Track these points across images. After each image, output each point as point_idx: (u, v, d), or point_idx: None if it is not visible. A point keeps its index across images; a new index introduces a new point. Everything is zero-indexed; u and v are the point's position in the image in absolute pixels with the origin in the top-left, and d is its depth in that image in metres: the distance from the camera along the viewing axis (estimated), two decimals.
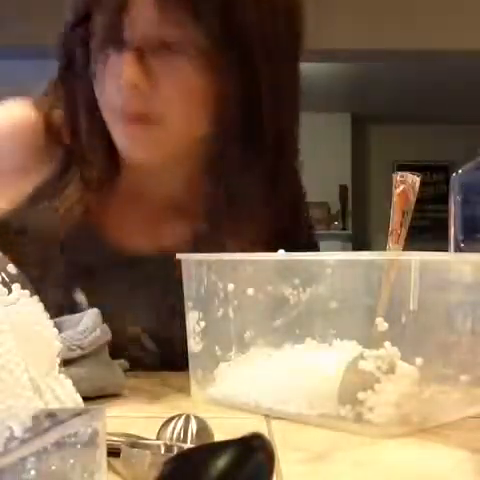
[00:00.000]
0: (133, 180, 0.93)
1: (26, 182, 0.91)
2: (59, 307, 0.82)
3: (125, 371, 0.78)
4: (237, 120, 0.84)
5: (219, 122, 0.84)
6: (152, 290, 0.91)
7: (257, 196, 0.88)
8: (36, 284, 0.59)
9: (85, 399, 0.60)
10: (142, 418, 0.65)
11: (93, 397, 0.70)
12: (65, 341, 0.69)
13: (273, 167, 0.88)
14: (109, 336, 0.75)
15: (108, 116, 0.85)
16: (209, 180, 0.89)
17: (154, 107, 0.82)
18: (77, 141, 0.89)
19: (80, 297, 0.88)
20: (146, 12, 0.78)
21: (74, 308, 0.86)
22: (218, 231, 0.89)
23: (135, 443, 0.48)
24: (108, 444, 0.39)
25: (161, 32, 0.79)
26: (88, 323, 0.75)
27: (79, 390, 0.59)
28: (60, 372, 0.57)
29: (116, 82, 0.81)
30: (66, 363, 0.65)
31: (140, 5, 0.78)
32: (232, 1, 0.80)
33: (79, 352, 0.71)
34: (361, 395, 0.59)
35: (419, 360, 0.60)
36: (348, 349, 0.62)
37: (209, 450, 0.36)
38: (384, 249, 0.64)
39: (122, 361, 0.79)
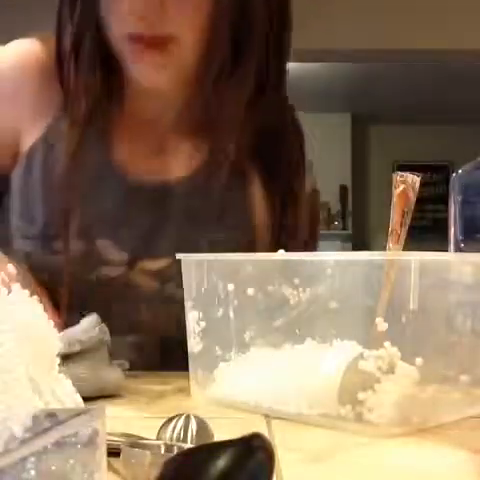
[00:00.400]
0: (137, 108, 0.93)
1: (36, 121, 0.91)
2: (82, 257, 0.85)
3: (125, 371, 0.78)
4: (227, 41, 0.86)
5: (214, 41, 0.86)
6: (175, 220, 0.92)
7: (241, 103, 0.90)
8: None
9: (85, 399, 0.60)
10: (142, 418, 0.65)
11: (93, 397, 0.70)
12: (64, 337, 0.70)
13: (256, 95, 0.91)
14: (107, 336, 0.76)
15: (120, 45, 0.85)
16: (201, 92, 0.91)
17: (165, 27, 0.82)
18: (78, 68, 0.89)
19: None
20: None
21: (97, 257, 0.89)
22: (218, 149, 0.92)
23: (135, 443, 0.48)
24: (108, 444, 0.39)
25: None
26: (87, 322, 0.75)
27: (78, 390, 0.59)
28: (60, 372, 0.57)
29: (130, 7, 0.81)
30: (65, 362, 0.65)
31: None
32: None
33: (79, 347, 0.72)
34: (361, 395, 0.59)
35: (419, 360, 0.60)
36: (348, 349, 0.62)
37: (209, 450, 0.36)
38: (384, 249, 0.64)
39: (122, 361, 0.79)
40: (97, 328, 0.75)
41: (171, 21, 0.82)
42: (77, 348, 0.72)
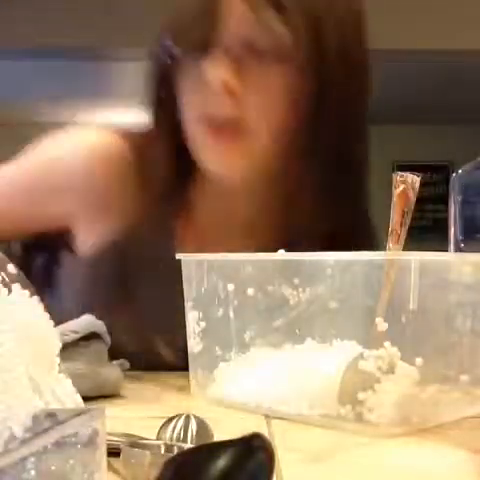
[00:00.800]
0: (209, 199, 0.92)
1: (110, 214, 0.90)
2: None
3: (124, 371, 0.78)
4: (305, 131, 0.83)
5: (290, 133, 0.84)
6: None
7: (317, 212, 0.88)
8: None
9: (85, 399, 0.60)
10: (142, 418, 0.65)
11: (93, 397, 0.70)
12: (58, 329, 0.70)
13: (333, 182, 0.86)
14: (106, 334, 0.76)
15: (194, 128, 0.84)
16: (275, 196, 0.90)
17: (244, 112, 0.81)
18: (162, 166, 0.88)
19: None
20: (236, 12, 0.80)
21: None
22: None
23: (135, 443, 0.48)
24: (108, 444, 0.39)
25: (251, 33, 0.80)
26: (83, 318, 0.76)
27: (76, 387, 0.59)
28: (60, 371, 0.57)
29: (207, 89, 0.81)
30: (63, 358, 0.66)
31: (230, 6, 0.80)
32: (313, 3, 0.82)
33: (72, 336, 0.71)
34: (361, 395, 0.59)
35: (419, 360, 0.60)
36: (348, 349, 0.62)
37: (209, 450, 0.36)
38: (384, 249, 0.64)
39: (122, 361, 0.79)
40: (93, 322, 0.75)
41: (245, 106, 0.81)
42: (70, 338, 0.71)
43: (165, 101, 0.88)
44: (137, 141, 0.92)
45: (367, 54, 0.91)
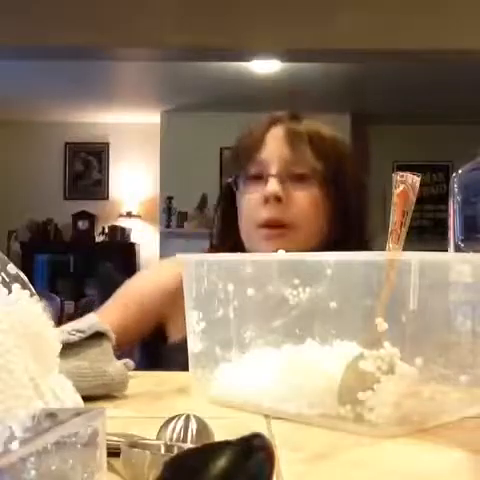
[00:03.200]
0: None
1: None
2: None
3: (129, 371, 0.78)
4: (332, 229, 1.16)
5: (321, 233, 1.16)
6: None
7: None
8: None
9: (85, 399, 0.60)
10: (142, 418, 0.65)
11: (93, 396, 0.70)
12: (65, 329, 0.70)
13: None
14: (110, 330, 0.76)
15: (248, 227, 1.15)
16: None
17: (289, 216, 1.12)
18: None
19: None
20: (280, 152, 1.15)
21: None
22: None
23: (135, 443, 0.48)
24: (108, 444, 0.39)
25: (292, 166, 1.14)
26: (88, 317, 0.75)
27: (81, 384, 0.59)
28: (62, 368, 0.57)
29: (259, 199, 1.12)
30: (67, 356, 0.66)
31: (274, 147, 1.16)
32: (337, 150, 1.20)
33: (79, 335, 0.72)
34: (361, 395, 0.59)
35: (419, 360, 0.60)
36: (348, 349, 0.62)
37: (209, 450, 0.36)
38: (384, 249, 0.64)
39: (127, 360, 0.79)
40: (97, 321, 0.75)
41: (293, 212, 1.12)
42: (77, 337, 0.72)
43: (228, 216, 1.19)
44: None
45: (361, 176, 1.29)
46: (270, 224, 1.13)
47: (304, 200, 1.15)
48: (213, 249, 1.20)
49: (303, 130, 1.19)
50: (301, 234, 1.14)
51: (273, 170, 1.16)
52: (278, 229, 1.13)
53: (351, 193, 1.21)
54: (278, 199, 1.12)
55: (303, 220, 1.14)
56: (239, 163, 1.21)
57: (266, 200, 1.13)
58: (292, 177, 1.16)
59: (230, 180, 1.22)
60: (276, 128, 1.19)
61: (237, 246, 1.15)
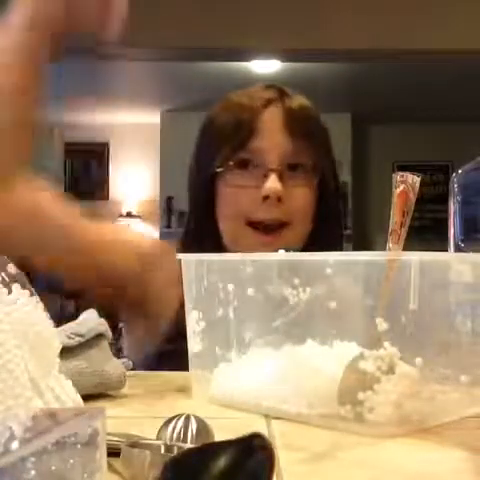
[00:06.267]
0: None
1: None
2: None
3: (127, 370, 0.78)
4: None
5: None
6: None
7: None
8: None
9: (85, 398, 0.60)
10: (142, 418, 0.65)
11: (93, 396, 0.70)
12: (63, 331, 0.70)
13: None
14: (108, 331, 0.76)
15: (235, 224, 1.03)
16: None
17: (287, 215, 1.02)
18: None
19: None
20: (278, 140, 1.02)
21: None
22: None
23: (135, 443, 0.48)
24: (108, 444, 0.39)
25: (291, 156, 1.02)
26: (85, 317, 0.75)
27: (80, 384, 0.59)
28: (61, 367, 0.57)
29: (253, 195, 1.01)
30: (66, 356, 0.66)
31: (272, 133, 1.02)
32: (323, 130, 1.14)
33: (78, 339, 0.72)
34: (361, 395, 0.59)
35: (419, 360, 0.60)
36: (348, 349, 0.62)
37: (209, 450, 0.36)
38: (384, 249, 0.64)
39: (125, 360, 0.79)
40: (96, 322, 0.75)
41: (292, 210, 1.02)
42: (76, 341, 0.72)
43: (206, 207, 1.05)
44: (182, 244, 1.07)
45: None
46: (266, 224, 1.02)
47: (303, 197, 1.04)
48: (185, 247, 1.06)
49: (298, 111, 1.05)
50: (296, 232, 1.05)
51: (273, 163, 1.02)
52: (274, 231, 1.02)
53: (331, 181, 1.10)
54: (279, 199, 1.01)
55: (300, 218, 1.05)
56: (223, 148, 1.04)
57: (265, 198, 1.01)
58: (289, 168, 1.04)
59: (218, 169, 1.03)
60: (270, 109, 1.04)
61: (216, 244, 1.03)
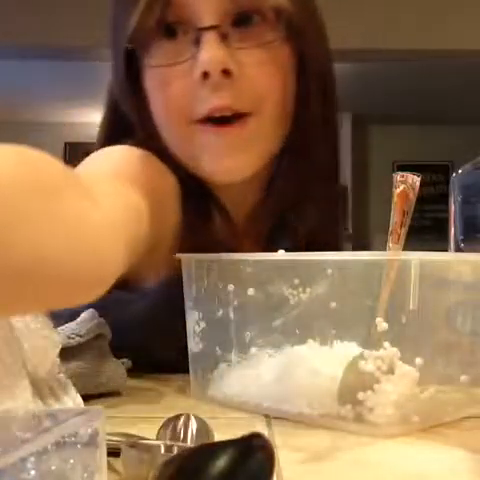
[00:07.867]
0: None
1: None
2: None
3: (127, 370, 0.78)
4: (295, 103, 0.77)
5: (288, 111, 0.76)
6: None
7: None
8: None
9: (85, 398, 0.60)
10: (142, 418, 0.65)
11: (93, 396, 0.70)
12: (63, 332, 0.70)
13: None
14: (108, 330, 0.76)
15: (174, 125, 0.73)
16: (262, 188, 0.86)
17: (245, 99, 0.70)
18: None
19: None
20: None
21: None
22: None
23: (135, 443, 0.48)
24: (108, 444, 0.39)
25: (239, 2, 0.68)
26: (85, 317, 0.75)
27: (79, 385, 0.59)
28: (60, 372, 0.57)
29: (188, 77, 0.69)
30: (65, 356, 0.66)
31: None
32: None
33: (78, 340, 0.72)
34: (361, 395, 0.59)
35: (419, 360, 0.60)
36: (348, 349, 0.62)
37: (209, 450, 0.36)
38: (384, 249, 0.64)
39: (125, 360, 0.79)
40: (95, 321, 0.75)
41: (252, 91, 0.72)
42: (76, 342, 0.72)
43: (135, 108, 0.76)
44: None
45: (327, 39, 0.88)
46: (216, 116, 0.70)
47: (267, 68, 0.70)
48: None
49: None
50: (264, 127, 0.73)
51: (207, 18, 0.66)
52: (229, 125, 0.70)
53: (317, 56, 0.81)
54: (226, 72, 0.67)
55: (267, 103, 0.72)
56: (135, 14, 0.68)
57: (204, 76, 0.67)
58: (240, 24, 0.69)
59: (128, 46, 0.70)
60: None
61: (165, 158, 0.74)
